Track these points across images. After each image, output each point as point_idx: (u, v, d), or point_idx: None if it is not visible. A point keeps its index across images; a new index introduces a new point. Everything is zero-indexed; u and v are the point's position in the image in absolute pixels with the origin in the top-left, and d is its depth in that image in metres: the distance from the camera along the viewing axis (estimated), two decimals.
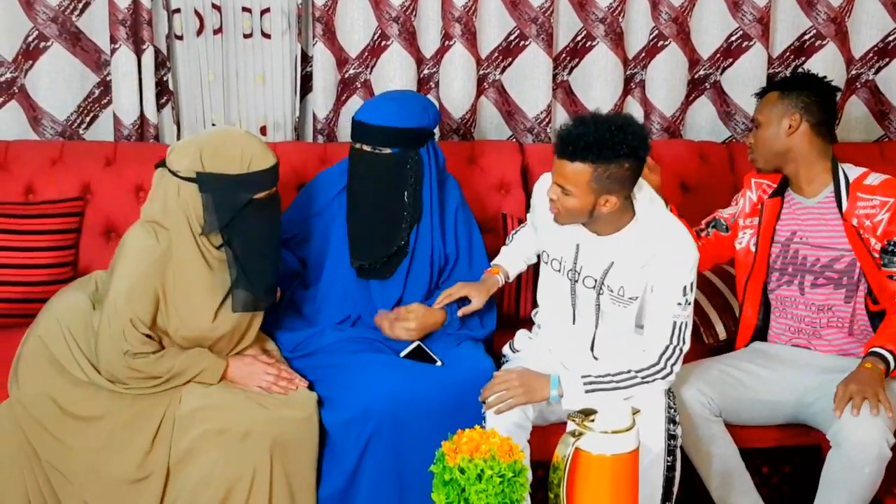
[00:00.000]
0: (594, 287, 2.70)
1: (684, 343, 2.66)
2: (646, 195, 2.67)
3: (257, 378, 2.68)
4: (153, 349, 2.61)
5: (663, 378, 2.63)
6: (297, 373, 2.78)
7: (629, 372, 2.62)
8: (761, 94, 2.93)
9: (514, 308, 3.30)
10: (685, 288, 2.62)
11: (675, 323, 2.63)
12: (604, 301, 2.71)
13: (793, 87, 2.87)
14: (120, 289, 2.58)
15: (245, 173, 2.54)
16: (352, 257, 2.96)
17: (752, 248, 2.95)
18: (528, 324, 2.99)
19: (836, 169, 2.85)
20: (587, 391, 2.59)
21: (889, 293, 2.77)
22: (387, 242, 2.95)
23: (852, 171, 2.86)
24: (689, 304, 2.65)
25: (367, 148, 2.90)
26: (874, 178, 2.82)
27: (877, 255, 2.78)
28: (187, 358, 2.64)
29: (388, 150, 2.90)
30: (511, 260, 3.01)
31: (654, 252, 2.62)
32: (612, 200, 2.57)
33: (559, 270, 2.77)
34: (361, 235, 2.95)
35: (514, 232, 3.08)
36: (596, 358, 2.76)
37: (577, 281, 2.73)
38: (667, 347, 2.64)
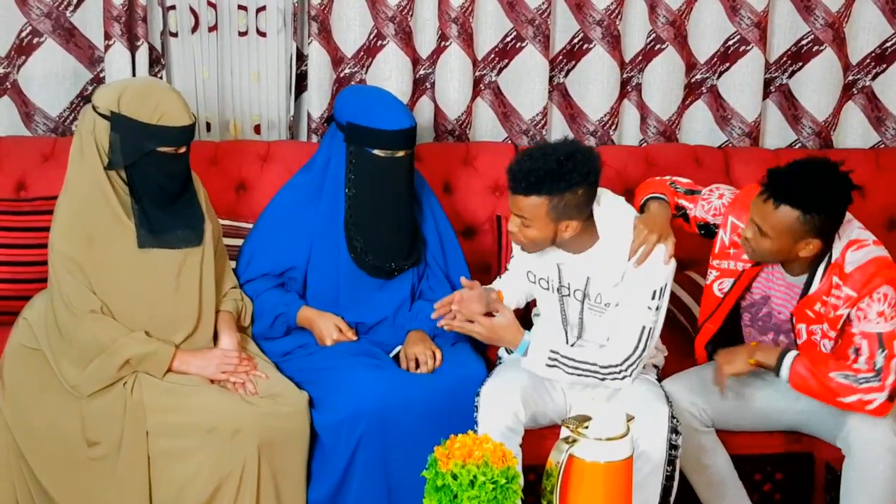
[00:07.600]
0: (581, 299, 2.74)
1: (647, 350, 2.69)
2: (605, 210, 2.69)
3: (212, 368, 2.68)
4: (95, 305, 2.63)
5: (620, 380, 2.68)
6: (287, 376, 2.77)
7: (594, 365, 2.67)
8: (773, 196, 2.57)
9: None
10: (655, 292, 2.65)
11: (643, 328, 2.66)
12: (586, 312, 2.75)
13: (815, 206, 2.55)
14: (55, 233, 2.66)
15: (153, 124, 2.62)
16: (384, 261, 2.94)
17: (720, 295, 2.84)
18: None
19: (823, 254, 2.66)
20: (548, 365, 2.66)
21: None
22: (414, 234, 2.99)
23: (839, 245, 2.65)
24: (659, 309, 2.67)
25: (398, 154, 2.89)
26: (851, 260, 2.62)
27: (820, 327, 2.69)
28: (136, 336, 2.63)
29: (412, 149, 2.93)
30: (506, 284, 2.96)
31: (624, 271, 2.66)
32: (572, 225, 2.62)
33: (547, 289, 2.81)
34: (396, 237, 2.95)
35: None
36: None
37: (567, 295, 2.77)
38: (634, 351, 2.67)
